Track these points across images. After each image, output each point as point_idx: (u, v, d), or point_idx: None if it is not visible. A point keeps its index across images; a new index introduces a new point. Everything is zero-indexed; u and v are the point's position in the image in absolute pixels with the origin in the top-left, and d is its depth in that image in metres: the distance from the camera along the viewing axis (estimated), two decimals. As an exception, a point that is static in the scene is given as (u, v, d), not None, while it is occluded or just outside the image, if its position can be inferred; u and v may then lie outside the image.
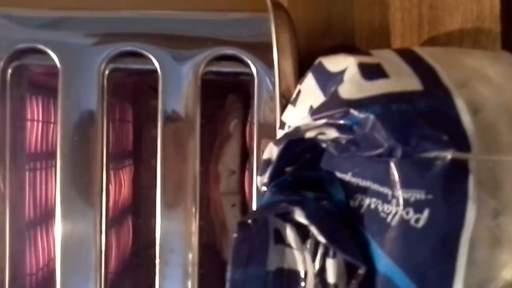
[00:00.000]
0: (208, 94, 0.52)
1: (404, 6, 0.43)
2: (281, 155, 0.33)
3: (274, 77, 0.43)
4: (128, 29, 0.44)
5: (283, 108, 0.41)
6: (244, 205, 0.50)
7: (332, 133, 0.30)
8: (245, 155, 0.50)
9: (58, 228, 0.42)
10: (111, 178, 0.53)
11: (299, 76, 0.41)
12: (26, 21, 0.43)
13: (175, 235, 0.43)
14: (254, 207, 0.40)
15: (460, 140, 0.26)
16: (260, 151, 0.41)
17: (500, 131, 0.27)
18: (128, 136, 0.64)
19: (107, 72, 0.44)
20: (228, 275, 0.30)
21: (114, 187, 0.56)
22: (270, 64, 0.44)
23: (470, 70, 0.30)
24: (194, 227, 0.43)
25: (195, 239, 0.43)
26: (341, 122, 0.29)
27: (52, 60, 0.43)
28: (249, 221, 0.30)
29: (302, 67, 0.41)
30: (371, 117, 0.27)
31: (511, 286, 0.27)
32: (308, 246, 0.30)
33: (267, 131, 0.42)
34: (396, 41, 0.44)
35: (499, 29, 0.34)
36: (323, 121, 0.30)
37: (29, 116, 0.48)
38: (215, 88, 0.52)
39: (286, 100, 0.42)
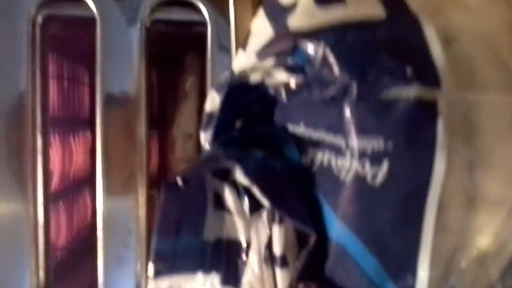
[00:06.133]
0: (165, 50, 0.46)
1: None
2: (224, 105, 0.28)
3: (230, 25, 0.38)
4: (62, -32, 0.38)
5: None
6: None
7: (281, 75, 0.25)
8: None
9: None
10: (51, 144, 0.48)
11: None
12: None
13: (119, 207, 0.38)
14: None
15: (427, 74, 0.21)
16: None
17: (478, 65, 0.22)
18: (83, 101, 0.58)
19: (39, 19, 0.38)
20: (153, 245, 0.25)
21: (62, 155, 0.51)
22: (226, 11, 0.38)
23: (445, -4, 0.24)
24: (142, 198, 0.38)
25: (142, 211, 0.38)
26: (290, 60, 0.24)
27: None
28: (179, 181, 0.25)
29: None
30: (322, 47, 0.22)
31: (486, 255, 0.22)
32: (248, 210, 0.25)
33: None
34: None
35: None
36: (270, 60, 0.25)
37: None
38: (173, 44, 0.47)
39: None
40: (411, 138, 0.21)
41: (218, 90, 0.28)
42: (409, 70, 0.21)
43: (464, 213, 0.22)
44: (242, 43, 0.32)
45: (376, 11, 0.23)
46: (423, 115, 0.21)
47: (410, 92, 0.21)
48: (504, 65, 0.22)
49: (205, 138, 0.30)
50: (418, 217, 0.22)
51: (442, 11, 0.23)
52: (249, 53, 0.29)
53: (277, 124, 0.29)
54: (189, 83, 0.45)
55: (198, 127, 0.45)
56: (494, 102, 0.22)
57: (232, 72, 0.30)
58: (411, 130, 0.21)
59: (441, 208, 0.21)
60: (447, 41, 0.22)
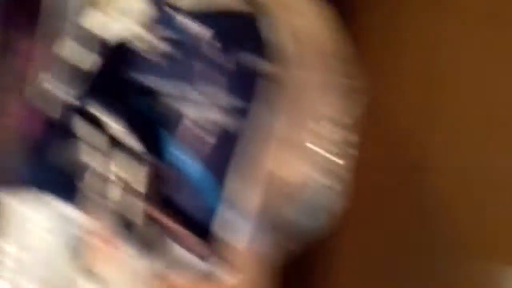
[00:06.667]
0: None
1: None
2: (103, 64, 0.32)
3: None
4: None
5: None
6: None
7: (162, 46, 0.31)
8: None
9: None
10: None
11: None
12: None
13: None
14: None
15: (274, 54, 0.31)
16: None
17: (302, 52, 0.33)
18: None
19: None
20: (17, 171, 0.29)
21: None
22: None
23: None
24: None
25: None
26: (173, 35, 0.31)
27: None
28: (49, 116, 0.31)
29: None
30: (204, 28, 0.30)
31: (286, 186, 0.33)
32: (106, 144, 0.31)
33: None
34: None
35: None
36: (155, 33, 0.31)
37: None
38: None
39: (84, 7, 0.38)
40: (256, 98, 0.31)
41: (92, 49, 0.32)
42: (264, 49, 0.31)
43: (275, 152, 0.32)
44: (98, 5, 0.35)
45: (244, 5, 0.32)
46: (267, 82, 0.31)
47: (261, 65, 0.31)
48: (319, 51, 0.34)
49: (71, 93, 0.33)
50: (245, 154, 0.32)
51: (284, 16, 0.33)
52: (117, 18, 0.33)
53: (133, 75, 0.34)
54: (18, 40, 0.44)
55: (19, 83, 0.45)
56: (308, 76, 0.33)
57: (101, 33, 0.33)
58: (257, 92, 0.31)
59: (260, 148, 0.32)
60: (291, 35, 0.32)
